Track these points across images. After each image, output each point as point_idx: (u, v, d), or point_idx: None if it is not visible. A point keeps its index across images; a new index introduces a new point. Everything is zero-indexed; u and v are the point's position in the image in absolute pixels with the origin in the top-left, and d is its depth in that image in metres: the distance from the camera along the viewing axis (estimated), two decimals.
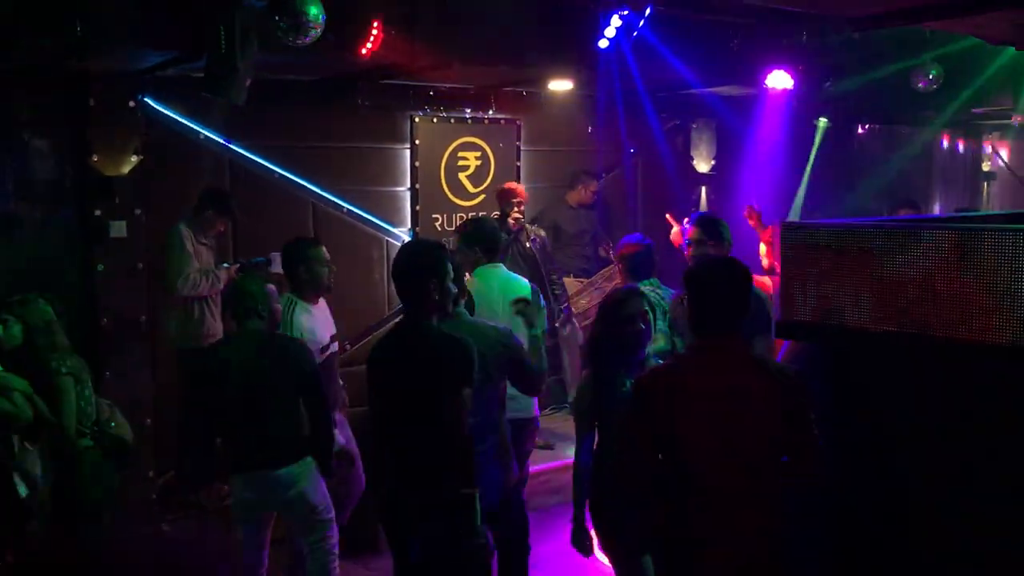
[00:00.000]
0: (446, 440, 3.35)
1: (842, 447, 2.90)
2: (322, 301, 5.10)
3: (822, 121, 8.90)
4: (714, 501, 2.82)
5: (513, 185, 7.23)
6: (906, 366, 2.71)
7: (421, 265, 3.51)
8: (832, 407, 2.91)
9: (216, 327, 6.09)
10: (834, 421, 2.89)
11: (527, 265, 6.87)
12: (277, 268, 6.02)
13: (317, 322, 4.94)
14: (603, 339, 3.77)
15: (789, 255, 2.97)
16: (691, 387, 2.85)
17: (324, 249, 5.12)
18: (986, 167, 11.88)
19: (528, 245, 7.04)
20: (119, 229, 5.96)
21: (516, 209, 7.06)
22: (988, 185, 11.92)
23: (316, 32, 4.65)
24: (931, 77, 7.40)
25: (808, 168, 8.98)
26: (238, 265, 6.12)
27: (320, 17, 4.62)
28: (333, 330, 5.16)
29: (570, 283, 7.71)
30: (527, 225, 7.20)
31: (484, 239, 5.17)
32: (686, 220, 5.55)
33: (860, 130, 10.50)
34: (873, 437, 2.84)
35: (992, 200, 11.79)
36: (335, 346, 5.19)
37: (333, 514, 4.52)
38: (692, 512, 2.85)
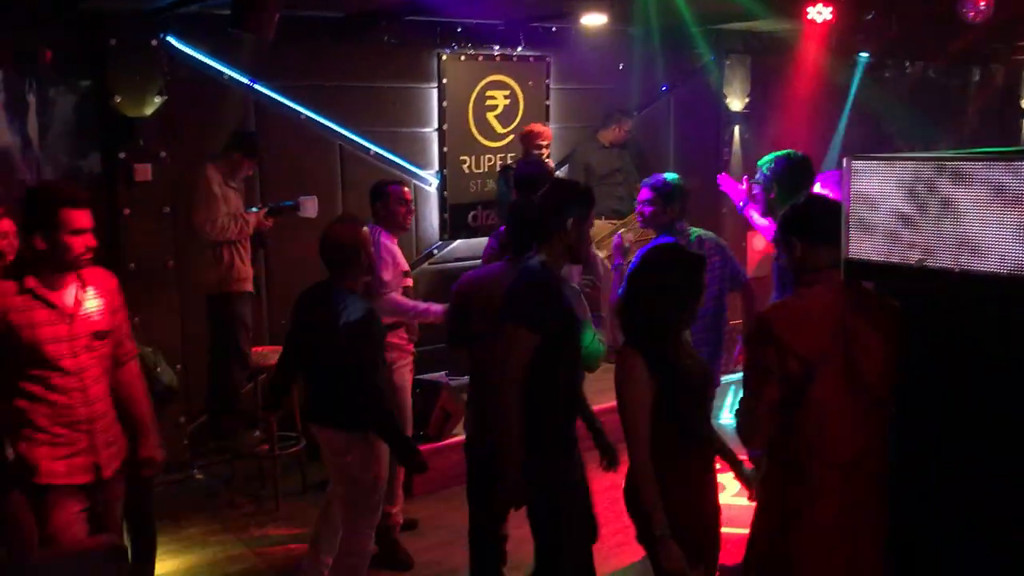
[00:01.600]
0: None
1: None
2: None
3: (863, 55, 8.61)
4: (832, 417, 2.89)
5: (537, 127, 6.98)
6: (991, 307, 2.56)
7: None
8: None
9: (247, 271, 5.98)
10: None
11: None
12: (307, 213, 5.92)
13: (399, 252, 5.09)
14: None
15: (858, 190, 2.80)
16: (816, 313, 2.92)
17: (406, 188, 5.22)
18: None
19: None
20: (144, 172, 5.84)
21: (544, 152, 6.85)
22: None
23: None
24: (981, 7, 7.09)
25: (847, 106, 8.72)
26: (267, 209, 6.00)
27: None
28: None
29: (601, 225, 7.53)
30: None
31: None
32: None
33: (900, 65, 10.19)
34: (956, 390, 2.69)
35: None
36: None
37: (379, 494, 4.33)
38: (813, 432, 2.91)
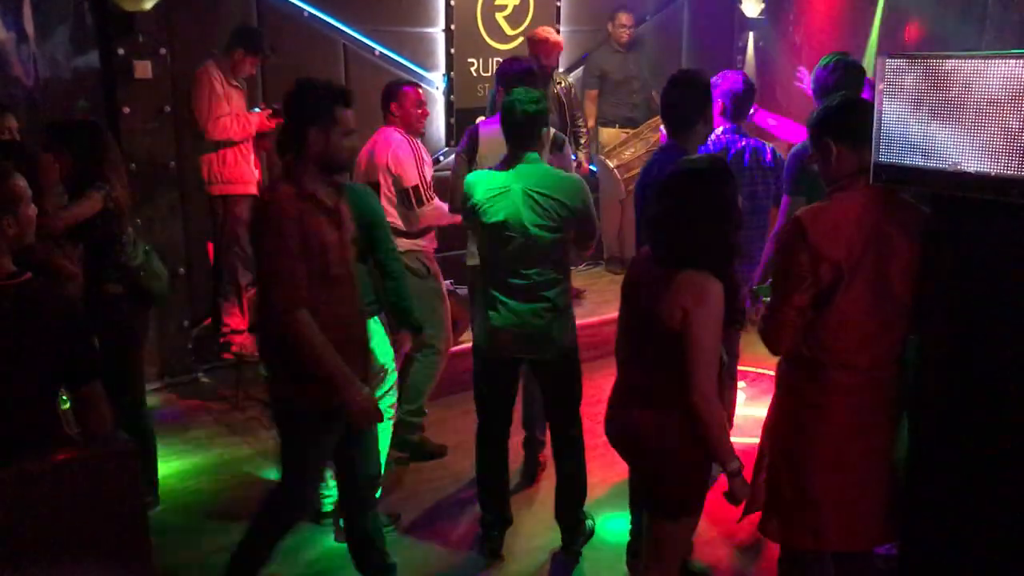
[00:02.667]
0: None
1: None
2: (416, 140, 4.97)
3: None
4: (855, 323, 2.85)
5: (545, 34, 6.60)
6: None
7: None
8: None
9: (251, 173, 5.87)
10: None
11: (556, 109, 6.49)
12: None
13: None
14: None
15: (893, 91, 2.68)
16: (850, 219, 2.84)
17: (420, 90, 5.02)
18: None
19: (556, 90, 6.63)
20: (144, 69, 5.66)
21: (554, 59, 6.61)
22: None
23: None
24: None
25: (878, 13, 8.40)
26: (271, 110, 5.85)
27: None
28: (428, 168, 5.01)
29: (613, 134, 7.39)
30: (557, 73, 6.79)
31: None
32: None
33: None
34: (987, 300, 2.62)
35: None
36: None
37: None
38: (834, 334, 2.87)
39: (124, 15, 5.59)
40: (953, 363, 2.71)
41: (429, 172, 4.97)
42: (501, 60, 7.16)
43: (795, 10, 8.34)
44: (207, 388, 6.05)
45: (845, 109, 2.98)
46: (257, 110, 5.86)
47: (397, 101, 4.90)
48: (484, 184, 3.91)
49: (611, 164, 7.14)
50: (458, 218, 4.72)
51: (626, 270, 3.27)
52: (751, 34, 8.51)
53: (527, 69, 4.81)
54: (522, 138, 3.87)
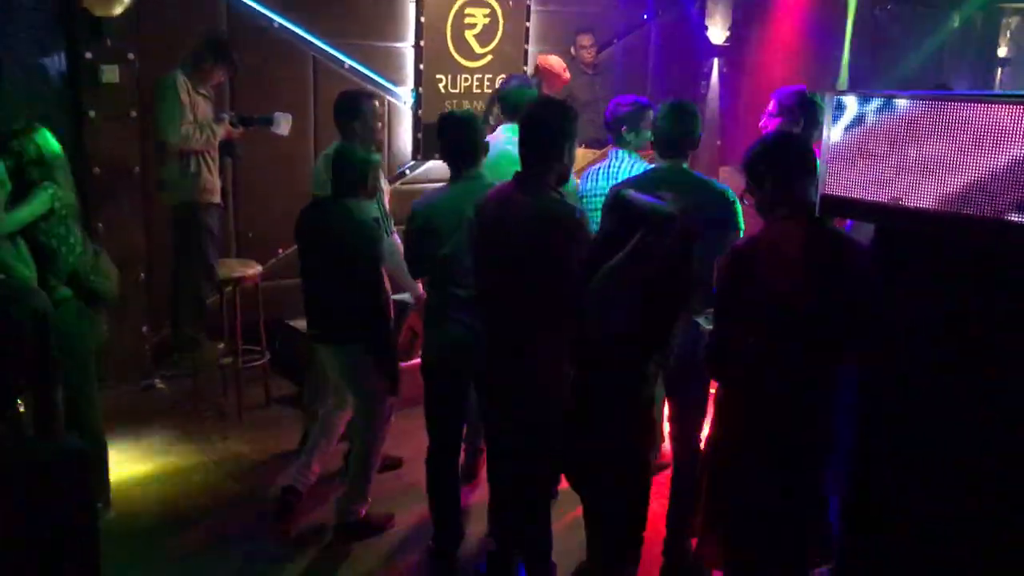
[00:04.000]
0: None
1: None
2: None
3: None
4: (786, 347, 2.93)
5: (558, 69, 6.65)
6: (967, 249, 2.56)
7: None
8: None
9: (214, 182, 5.87)
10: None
11: None
12: (280, 131, 5.83)
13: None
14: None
15: (839, 125, 2.78)
16: (787, 247, 2.95)
17: (377, 103, 5.09)
18: (1002, 52, 11.53)
19: None
20: (111, 74, 5.66)
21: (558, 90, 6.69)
22: (1002, 71, 11.60)
23: None
24: None
25: (847, 42, 8.59)
26: (237, 120, 5.86)
27: None
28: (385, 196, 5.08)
29: (584, 153, 7.46)
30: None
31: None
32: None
33: (886, 9, 10.10)
34: (922, 325, 2.72)
35: (1006, 87, 11.49)
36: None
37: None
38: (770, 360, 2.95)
39: (93, 19, 5.58)
40: (890, 394, 2.80)
41: (387, 200, 5.10)
42: (468, 76, 7.35)
43: (759, 37, 8.51)
44: (165, 396, 6.03)
45: (779, 144, 3.13)
46: (224, 117, 5.86)
47: (360, 119, 4.93)
48: (433, 205, 4.01)
49: (577, 181, 7.21)
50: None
51: None
52: (716, 60, 8.66)
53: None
54: (463, 156, 3.99)
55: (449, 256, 3.93)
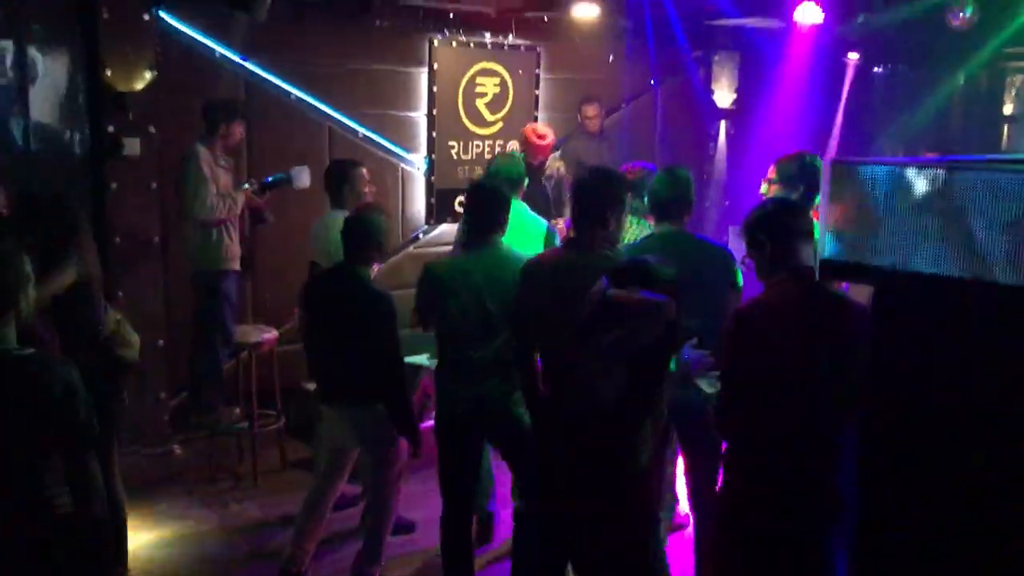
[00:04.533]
0: None
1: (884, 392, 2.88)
2: None
3: (852, 55, 8.66)
4: (792, 407, 2.99)
5: (538, 138, 6.62)
6: (966, 312, 2.63)
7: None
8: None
9: (235, 249, 5.99)
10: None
11: (540, 202, 6.66)
12: (301, 184, 5.96)
13: None
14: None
15: (837, 192, 2.87)
16: (787, 308, 3.05)
17: (365, 170, 5.28)
18: (1008, 109, 11.67)
19: (544, 182, 6.81)
20: (132, 147, 5.82)
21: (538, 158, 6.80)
22: (1008, 128, 11.73)
23: None
24: (966, 15, 7.19)
25: (841, 107, 8.78)
26: (257, 186, 6.01)
27: None
28: None
29: None
30: (552, 158, 6.98)
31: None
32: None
33: (889, 69, 10.28)
34: (922, 386, 2.78)
35: (1012, 144, 11.60)
36: None
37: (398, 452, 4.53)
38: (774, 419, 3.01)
39: (116, 94, 5.78)
40: (893, 453, 2.84)
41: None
42: (479, 143, 7.53)
43: (765, 99, 8.67)
44: (181, 460, 6.10)
45: (777, 210, 3.25)
46: (245, 187, 6.01)
47: (349, 183, 5.17)
48: (446, 269, 4.12)
49: None
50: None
51: None
52: (723, 123, 8.83)
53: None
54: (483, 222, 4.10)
55: (459, 316, 4.02)
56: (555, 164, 6.98)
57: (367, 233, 4.34)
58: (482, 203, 4.15)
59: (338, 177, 5.23)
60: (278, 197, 6.11)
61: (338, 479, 4.64)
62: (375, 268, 4.77)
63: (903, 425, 2.83)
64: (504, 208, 4.14)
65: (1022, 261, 2.39)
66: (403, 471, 4.58)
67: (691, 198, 4.21)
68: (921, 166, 2.71)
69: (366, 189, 5.23)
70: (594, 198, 3.70)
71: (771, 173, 4.97)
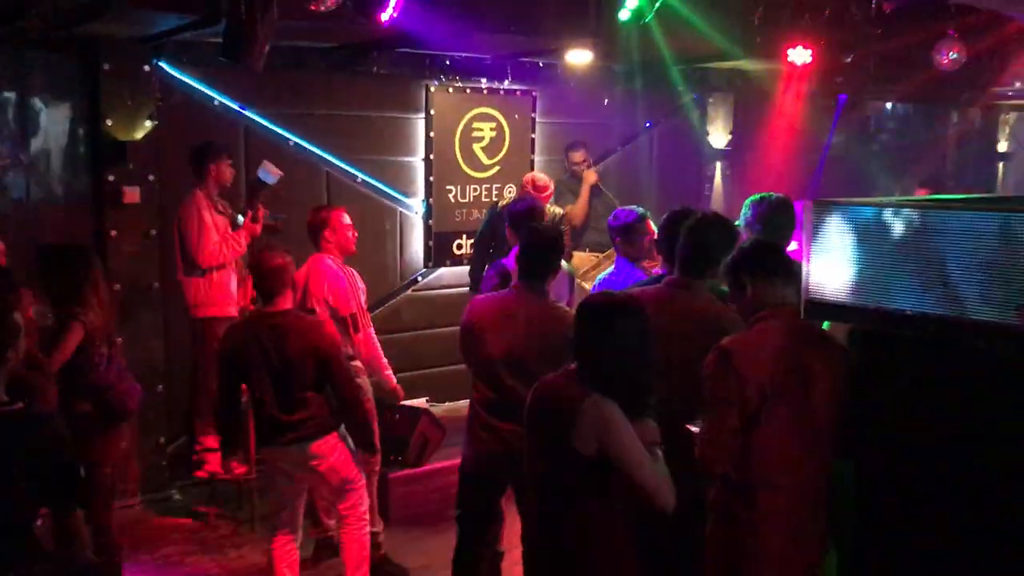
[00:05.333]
0: None
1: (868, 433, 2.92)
2: (348, 268, 5.24)
3: (843, 96, 8.79)
4: (783, 445, 3.02)
5: (537, 191, 6.64)
6: (944, 349, 2.67)
7: None
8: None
9: (232, 296, 6.03)
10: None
11: None
12: (271, 179, 6.05)
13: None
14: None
15: (819, 233, 2.93)
16: (771, 346, 3.05)
17: (346, 215, 5.30)
18: (1002, 147, 11.77)
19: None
20: (132, 195, 5.92)
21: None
22: (1003, 166, 11.82)
23: None
24: (953, 56, 7.29)
25: (826, 146, 8.89)
26: (249, 214, 6.04)
27: None
28: (362, 295, 5.25)
29: (585, 258, 7.64)
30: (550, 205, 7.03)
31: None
32: None
33: (879, 108, 10.41)
34: (904, 423, 2.81)
35: (1008, 181, 11.69)
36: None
37: (363, 482, 4.55)
38: (760, 456, 3.04)
39: (117, 143, 5.89)
40: (889, 489, 2.87)
41: (363, 298, 5.27)
42: (477, 187, 7.61)
43: (760, 140, 8.77)
44: (180, 505, 6.10)
45: (757, 250, 3.29)
46: (241, 219, 6.06)
47: (331, 227, 5.19)
48: (490, 311, 4.15)
49: (586, 286, 7.37)
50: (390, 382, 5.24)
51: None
52: (719, 163, 8.92)
53: (530, 207, 5.29)
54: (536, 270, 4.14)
55: (498, 365, 4.05)
56: (551, 210, 7.04)
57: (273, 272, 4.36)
58: (543, 250, 4.17)
59: (314, 224, 5.27)
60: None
61: (297, 525, 4.60)
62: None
63: (894, 460, 2.86)
64: (560, 256, 4.21)
65: (995, 299, 2.43)
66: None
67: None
68: (897, 207, 2.77)
69: (349, 232, 5.26)
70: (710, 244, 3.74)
71: (749, 216, 4.97)
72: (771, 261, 3.20)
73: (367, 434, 4.64)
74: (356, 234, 5.35)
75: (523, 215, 5.17)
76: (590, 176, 7.59)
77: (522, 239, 4.32)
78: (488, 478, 4.20)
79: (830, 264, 2.92)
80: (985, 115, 11.43)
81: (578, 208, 7.57)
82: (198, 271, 5.88)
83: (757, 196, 4.62)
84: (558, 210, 7.14)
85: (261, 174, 6.03)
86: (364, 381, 5.11)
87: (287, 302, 4.44)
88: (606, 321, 3.03)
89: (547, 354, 3.69)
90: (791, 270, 3.17)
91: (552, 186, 6.87)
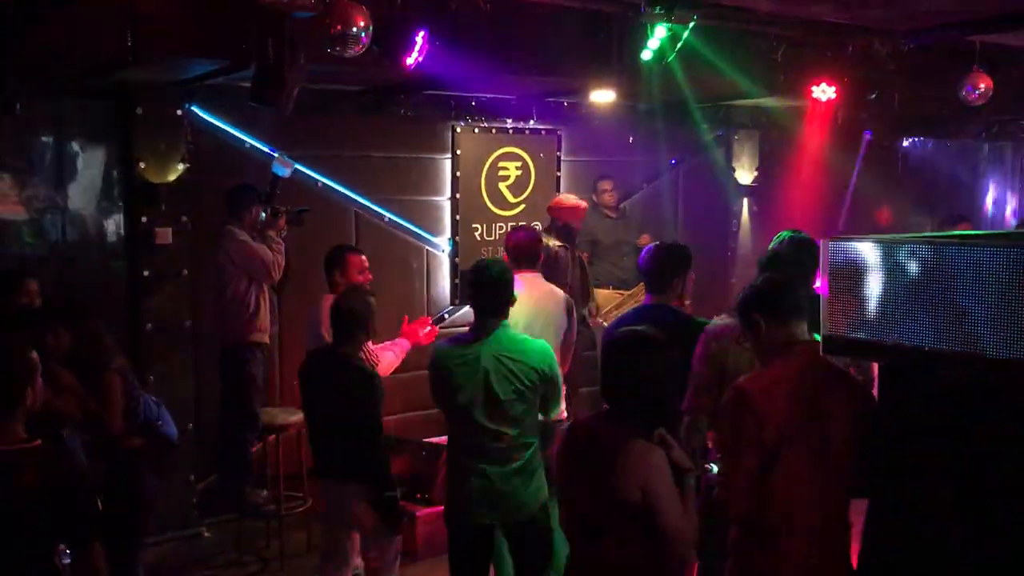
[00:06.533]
0: None
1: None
2: None
3: (868, 133, 8.79)
4: (802, 485, 2.99)
5: (567, 202, 6.91)
6: (965, 386, 2.67)
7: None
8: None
9: (266, 322, 6.08)
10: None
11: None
12: (284, 172, 6.16)
13: None
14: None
15: (837, 270, 2.94)
16: (788, 384, 3.04)
17: (363, 256, 5.41)
18: None
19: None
20: (165, 236, 6.03)
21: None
22: None
23: (364, 44, 4.67)
24: (980, 90, 7.27)
25: (852, 182, 8.88)
26: (269, 212, 6.09)
27: (368, 29, 4.63)
28: None
29: (608, 295, 7.66)
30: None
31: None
32: None
33: (905, 143, 10.38)
34: (930, 464, 2.80)
35: None
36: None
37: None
38: (780, 498, 3.00)
39: (149, 185, 6.02)
40: (898, 524, 2.85)
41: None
42: (503, 225, 7.67)
43: (786, 176, 8.79)
44: (209, 543, 6.15)
45: (769, 288, 3.26)
46: (263, 216, 6.08)
47: (340, 268, 5.28)
48: (453, 355, 4.12)
49: (605, 324, 7.38)
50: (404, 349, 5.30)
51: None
52: (745, 200, 8.94)
53: (529, 237, 5.30)
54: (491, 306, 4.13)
55: (470, 407, 4.03)
56: (548, 241, 7.02)
57: (352, 313, 4.42)
58: (491, 291, 4.13)
59: (328, 262, 5.38)
60: (304, 279, 6.22)
61: (341, 562, 4.61)
62: (371, 347, 4.88)
63: (911, 501, 2.85)
64: (511, 291, 4.16)
65: (1008, 335, 2.43)
66: (398, 553, 4.55)
67: (671, 271, 4.39)
68: (912, 243, 2.77)
69: (360, 276, 5.33)
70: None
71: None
72: (781, 297, 3.17)
73: None
74: (369, 277, 5.40)
75: (524, 247, 5.22)
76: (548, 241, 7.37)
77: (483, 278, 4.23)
78: (476, 523, 4.15)
79: (848, 300, 2.92)
80: (1015, 147, 11.35)
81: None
82: (234, 299, 5.94)
83: (783, 234, 4.64)
84: (554, 243, 7.07)
85: (275, 167, 6.14)
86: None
87: None
88: (634, 355, 3.09)
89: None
90: (803, 307, 3.15)
91: (584, 204, 6.95)
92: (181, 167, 6.09)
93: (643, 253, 4.65)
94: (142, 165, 6.00)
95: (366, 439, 4.32)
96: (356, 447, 4.33)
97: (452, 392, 4.07)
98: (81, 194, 6.03)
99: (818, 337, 3.09)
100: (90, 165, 6.05)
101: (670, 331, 3.39)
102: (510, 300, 4.16)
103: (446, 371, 4.10)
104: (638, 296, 7.27)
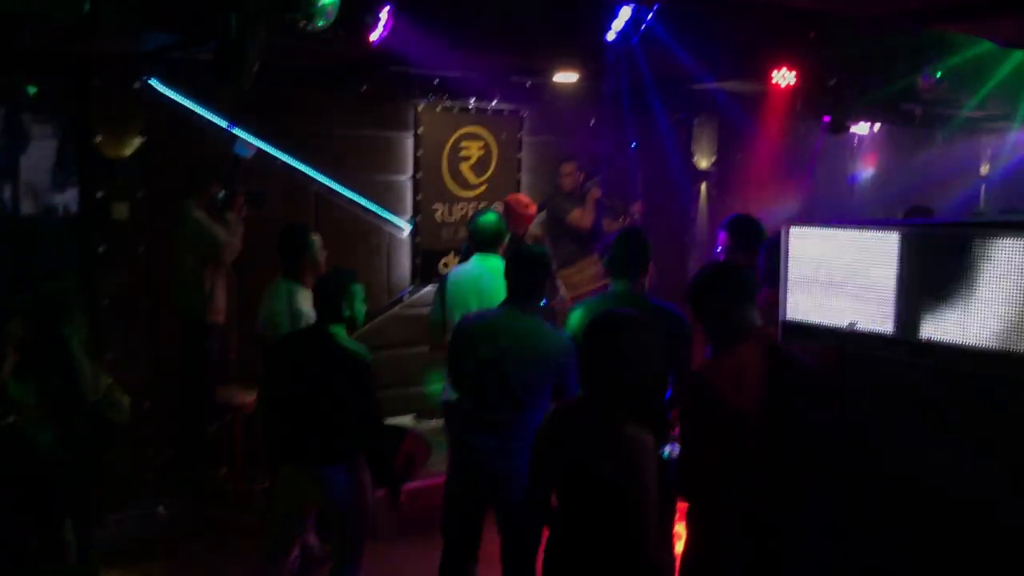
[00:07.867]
0: None
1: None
2: None
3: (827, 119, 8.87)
4: (754, 467, 3.03)
5: (524, 208, 6.68)
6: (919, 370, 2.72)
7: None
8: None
9: (222, 303, 6.07)
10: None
11: None
12: (248, 152, 6.30)
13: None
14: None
15: (795, 255, 2.98)
16: (745, 369, 3.05)
17: (319, 236, 5.39)
18: (983, 171, 11.90)
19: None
20: (121, 211, 5.96)
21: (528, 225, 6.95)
22: (985, 188, 11.94)
23: (328, 19, 4.61)
24: (936, 79, 7.39)
25: (810, 168, 8.98)
26: (224, 193, 6.10)
27: (333, 4, 4.57)
28: None
29: (571, 272, 7.69)
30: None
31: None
32: None
33: (863, 131, 10.50)
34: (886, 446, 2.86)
35: (988, 203, 11.81)
36: None
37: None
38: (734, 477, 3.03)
39: (106, 159, 5.92)
40: (861, 512, 2.91)
41: None
42: (464, 205, 7.66)
43: (743, 162, 8.86)
44: (166, 520, 6.09)
45: (717, 275, 3.29)
46: (221, 196, 6.09)
47: (310, 251, 5.28)
48: (476, 324, 4.20)
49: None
50: None
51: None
52: (704, 185, 9.00)
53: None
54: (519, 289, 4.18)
55: (483, 382, 4.10)
56: (533, 231, 7.10)
57: (336, 292, 4.35)
58: (532, 273, 4.21)
59: (298, 246, 5.26)
60: (263, 260, 6.16)
61: (291, 544, 4.60)
62: None
63: (870, 486, 2.90)
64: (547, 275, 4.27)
65: (967, 321, 2.49)
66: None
67: (644, 259, 4.38)
68: (876, 228, 2.82)
69: (321, 259, 5.31)
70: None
71: (722, 238, 5.02)
72: (731, 283, 3.18)
73: None
74: (326, 255, 5.38)
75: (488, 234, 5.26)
76: (595, 192, 7.65)
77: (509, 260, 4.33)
78: (473, 493, 4.24)
79: (806, 286, 2.97)
80: (966, 138, 11.54)
81: (584, 215, 7.62)
82: (190, 275, 5.91)
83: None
84: (538, 231, 7.20)
85: (237, 148, 6.15)
86: None
87: None
88: (616, 337, 3.06)
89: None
90: (753, 291, 3.17)
91: (535, 207, 6.91)
92: (138, 141, 6.00)
93: (613, 238, 4.61)
94: (99, 138, 5.90)
95: (364, 417, 4.30)
96: (351, 427, 4.30)
97: (467, 362, 4.15)
98: (35, 167, 5.91)
99: None
100: (45, 137, 5.94)
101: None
102: (544, 284, 4.24)
103: (467, 341, 4.17)
104: (586, 270, 7.32)
